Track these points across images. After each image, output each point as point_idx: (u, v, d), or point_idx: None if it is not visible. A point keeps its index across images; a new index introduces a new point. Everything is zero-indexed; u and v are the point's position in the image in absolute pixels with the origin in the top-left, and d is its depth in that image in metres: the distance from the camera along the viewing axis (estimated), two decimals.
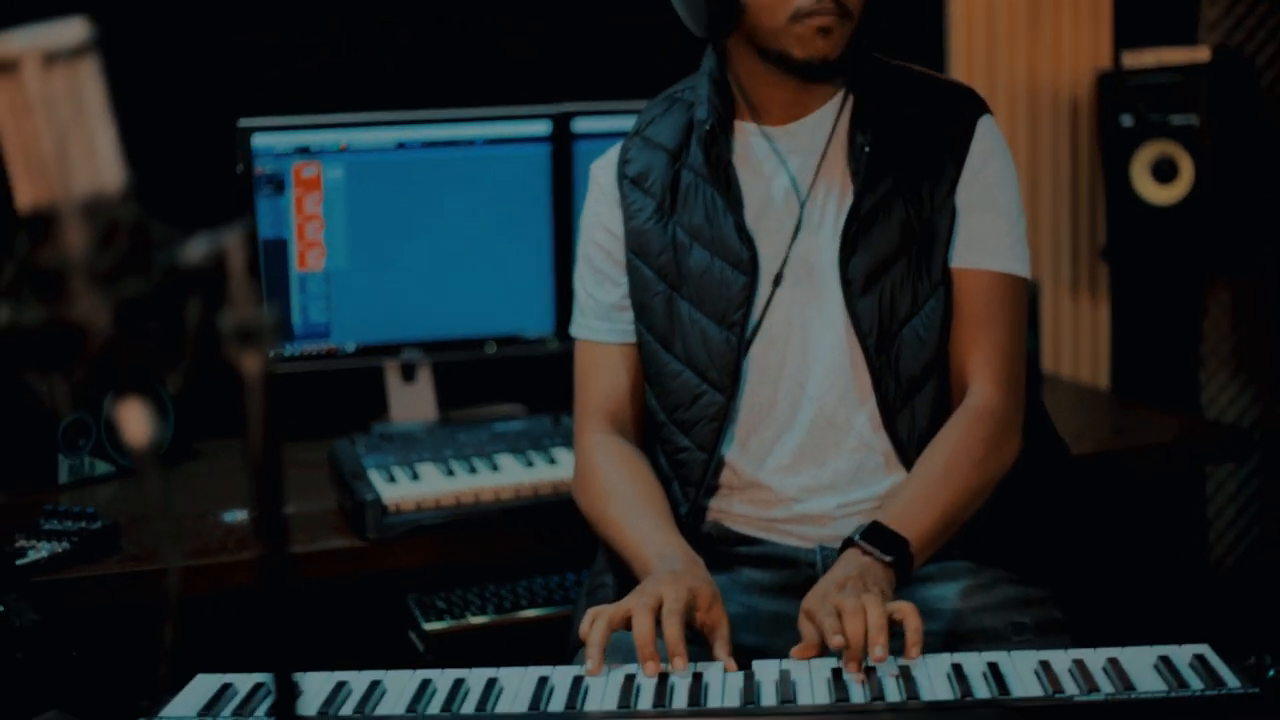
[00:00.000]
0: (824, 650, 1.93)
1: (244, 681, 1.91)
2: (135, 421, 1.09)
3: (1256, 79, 3.74)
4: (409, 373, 3.18)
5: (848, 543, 2.06)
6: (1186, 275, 3.88)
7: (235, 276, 1.07)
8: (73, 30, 1.04)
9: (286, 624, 1.15)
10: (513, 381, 3.31)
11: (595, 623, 1.95)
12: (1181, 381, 3.90)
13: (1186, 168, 3.56)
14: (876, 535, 2.04)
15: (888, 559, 2.02)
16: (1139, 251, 3.66)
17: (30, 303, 1.05)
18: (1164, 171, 3.58)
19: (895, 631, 1.89)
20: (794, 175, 2.27)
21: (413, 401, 3.17)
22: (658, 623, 1.93)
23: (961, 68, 3.67)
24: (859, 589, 1.93)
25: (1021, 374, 2.26)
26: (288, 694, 1.15)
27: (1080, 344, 3.81)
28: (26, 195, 1.05)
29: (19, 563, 2.41)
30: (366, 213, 3.07)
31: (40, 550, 2.47)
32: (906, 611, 1.90)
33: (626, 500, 2.24)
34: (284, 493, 1.14)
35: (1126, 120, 3.60)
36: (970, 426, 2.18)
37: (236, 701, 1.85)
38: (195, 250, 1.07)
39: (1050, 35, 3.72)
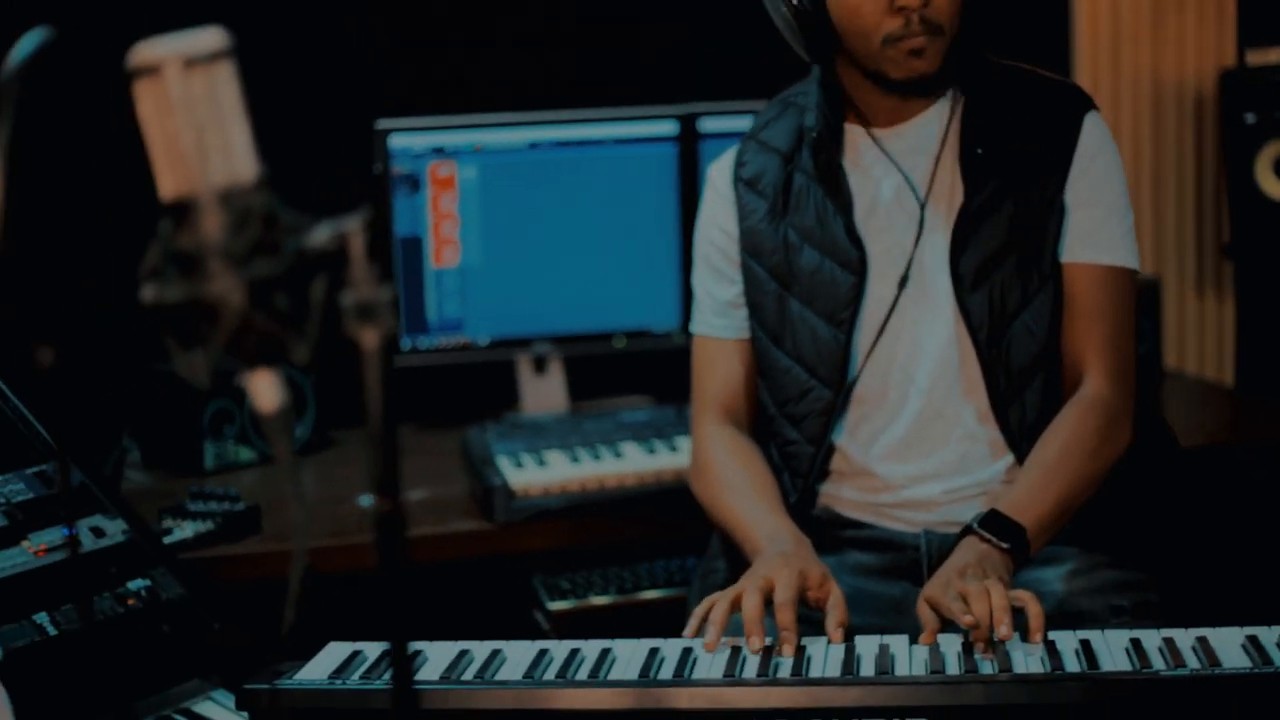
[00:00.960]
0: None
1: (372, 649, 2.02)
2: (265, 390, 1.20)
3: None
4: (540, 365, 3.28)
5: (966, 530, 2.13)
6: None
7: (356, 259, 1.17)
8: (210, 37, 1.15)
9: (404, 589, 1.25)
10: (640, 374, 3.41)
11: (716, 604, 2.04)
12: None
13: None
14: (994, 523, 2.11)
15: (1005, 545, 2.09)
16: (1262, 248, 3.68)
17: (173, 283, 1.15)
18: None
19: (1017, 619, 1.96)
20: (907, 175, 2.34)
21: (544, 393, 3.27)
22: (768, 603, 2.02)
23: (1086, 66, 3.72)
24: (980, 575, 2.01)
25: (1132, 366, 2.31)
26: (403, 656, 1.25)
27: (1205, 341, 3.83)
28: (168, 186, 1.16)
29: (166, 540, 2.55)
30: (500, 210, 3.18)
31: (186, 529, 2.61)
32: (1027, 599, 1.96)
33: (738, 487, 2.32)
34: (399, 456, 1.23)
35: (1250, 118, 3.61)
36: (1083, 417, 2.24)
37: (365, 666, 1.96)
38: (320, 235, 1.18)
39: (1175, 33, 3.75)
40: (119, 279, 3.20)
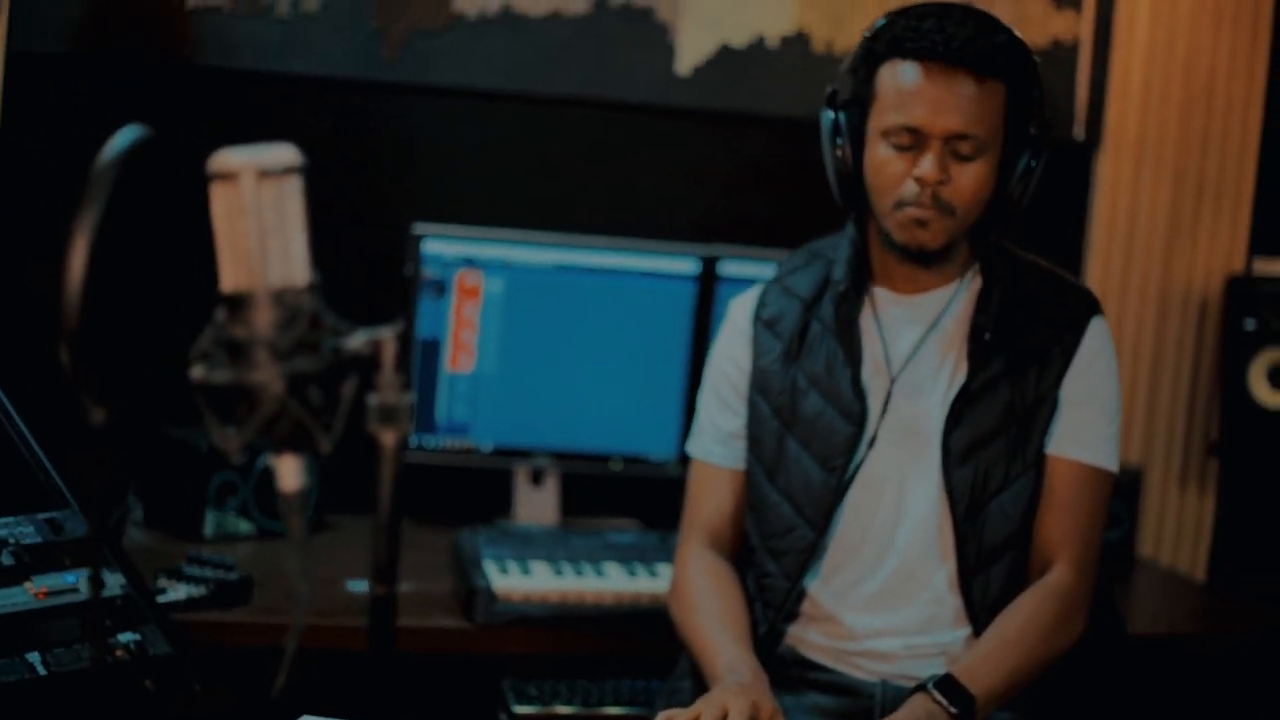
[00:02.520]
0: None
1: None
2: (290, 473, 1.31)
3: None
4: (537, 477, 3.39)
5: (920, 687, 2.23)
6: None
7: (387, 365, 1.29)
8: (284, 153, 1.27)
9: (389, 671, 1.36)
10: (632, 498, 3.51)
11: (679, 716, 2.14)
12: (1276, 581, 4.00)
13: None
14: (948, 687, 2.21)
15: (954, 711, 2.19)
16: (1248, 451, 3.79)
17: (221, 365, 1.27)
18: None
19: None
20: (917, 344, 2.46)
21: (538, 504, 3.38)
22: None
23: (1099, 261, 3.84)
24: None
25: (1096, 560, 2.43)
26: None
27: (1183, 534, 3.93)
28: (229, 280, 1.28)
29: (159, 599, 2.64)
30: (519, 324, 3.30)
31: (179, 591, 2.71)
32: None
33: (710, 613, 2.43)
34: (399, 548, 1.34)
35: (1250, 324, 3.74)
36: (1045, 602, 2.35)
37: None
38: (357, 339, 1.30)
39: (1188, 237, 3.88)
40: (143, 346, 3.34)
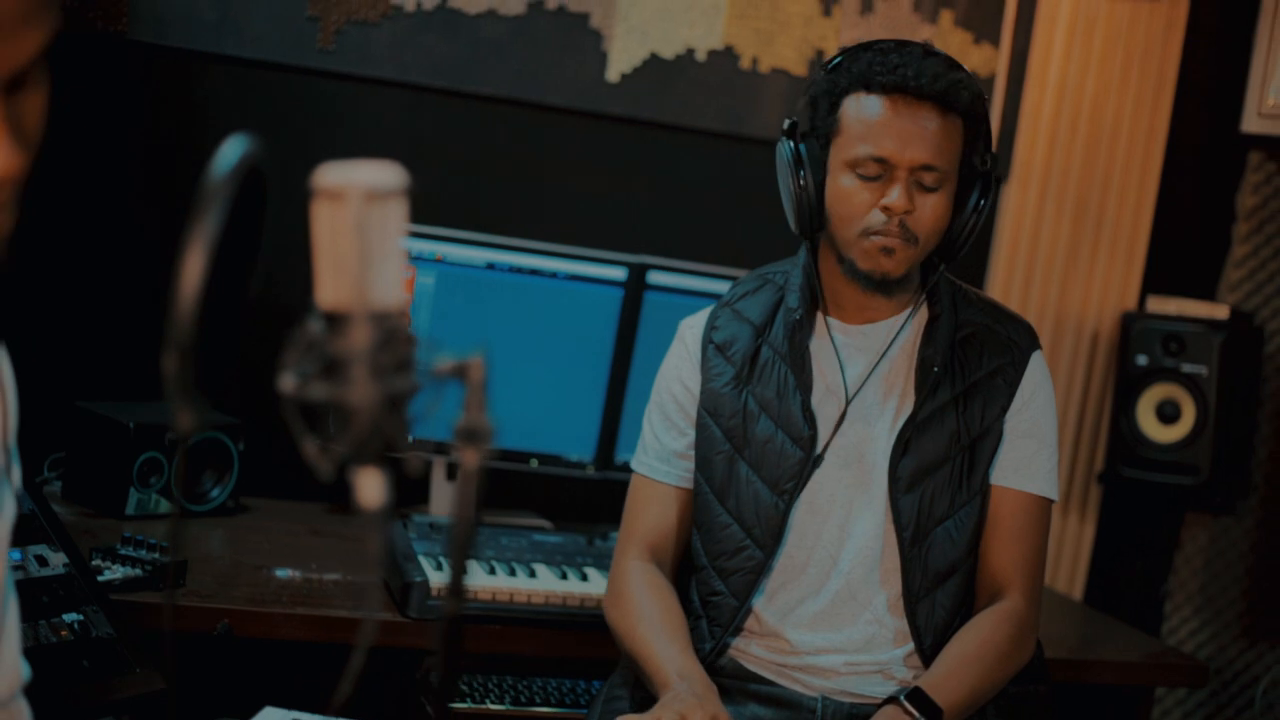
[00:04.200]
0: None
1: None
2: (372, 488, 1.35)
3: (1263, 342, 4.05)
4: (453, 471, 3.42)
5: (891, 699, 2.33)
6: (1170, 511, 4.15)
7: (474, 387, 1.33)
8: (391, 174, 1.31)
9: (453, 688, 1.40)
10: (547, 497, 3.55)
11: None
12: (1147, 609, 4.16)
13: (1189, 412, 3.84)
14: (918, 699, 2.31)
15: None
16: (1131, 482, 3.93)
17: (317, 382, 1.30)
18: (1168, 412, 3.86)
19: None
20: (866, 373, 2.53)
21: (451, 499, 3.40)
22: None
23: (998, 290, 3.96)
24: None
25: (1041, 585, 2.53)
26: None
27: (1062, 556, 4.07)
28: (328, 297, 1.31)
29: (98, 579, 2.64)
30: (448, 320, 3.33)
31: (116, 572, 2.70)
32: None
33: (655, 622, 2.48)
34: (468, 563, 1.38)
35: (1141, 360, 3.88)
36: (999, 624, 2.45)
37: None
38: (446, 360, 1.33)
39: (1085, 272, 4.01)
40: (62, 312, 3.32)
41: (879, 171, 2.39)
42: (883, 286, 2.49)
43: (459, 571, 1.39)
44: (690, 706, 2.22)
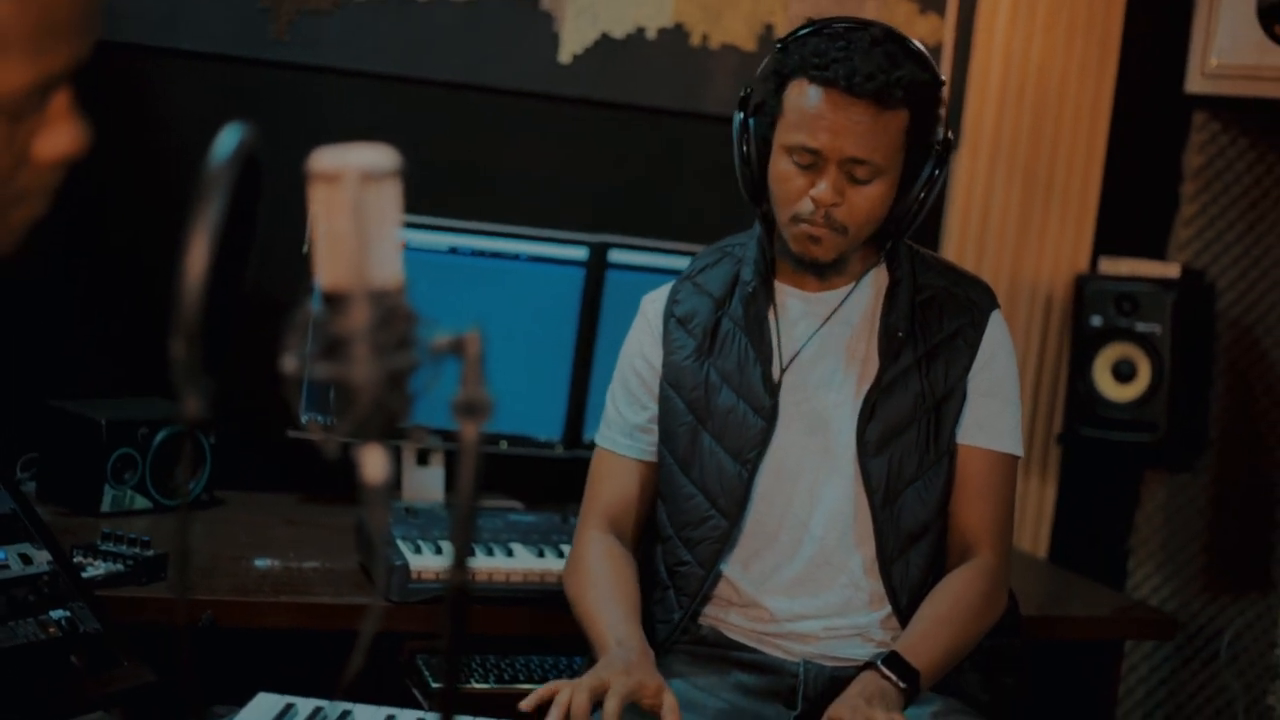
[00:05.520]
0: None
1: (305, 705, 2.16)
2: (377, 464, 1.37)
3: (1214, 299, 4.11)
4: (423, 456, 3.45)
5: (869, 665, 2.37)
6: (1129, 468, 4.21)
7: (471, 361, 1.36)
8: (386, 155, 1.34)
9: (460, 659, 1.43)
10: (516, 478, 3.58)
11: (560, 690, 2.22)
12: (1111, 566, 4.22)
13: (1144, 371, 3.90)
14: (895, 663, 2.35)
15: (903, 685, 2.34)
16: (1090, 441, 3.99)
17: (317, 362, 1.33)
18: (1123, 371, 3.92)
19: None
20: (826, 339, 2.57)
21: (424, 483, 3.44)
22: (598, 705, 2.21)
23: (952, 256, 4.00)
24: (884, 707, 2.25)
25: (1010, 540, 2.58)
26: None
27: (1025, 516, 4.12)
28: (327, 278, 1.34)
29: (82, 575, 2.65)
30: (413, 305, 3.34)
31: (99, 568, 2.72)
32: None
33: (603, 590, 2.51)
34: (474, 537, 1.41)
35: (1096, 320, 3.94)
36: (973, 581, 2.50)
37: None
38: (444, 336, 1.36)
39: (1037, 236, 4.07)
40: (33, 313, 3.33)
41: (811, 160, 2.42)
42: (813, 268, 2.54)
43: (464, 543, 1.42)
44: (616, 672, 2.25)
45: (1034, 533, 4.14)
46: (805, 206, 2.43)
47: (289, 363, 1.35)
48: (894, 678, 2.33)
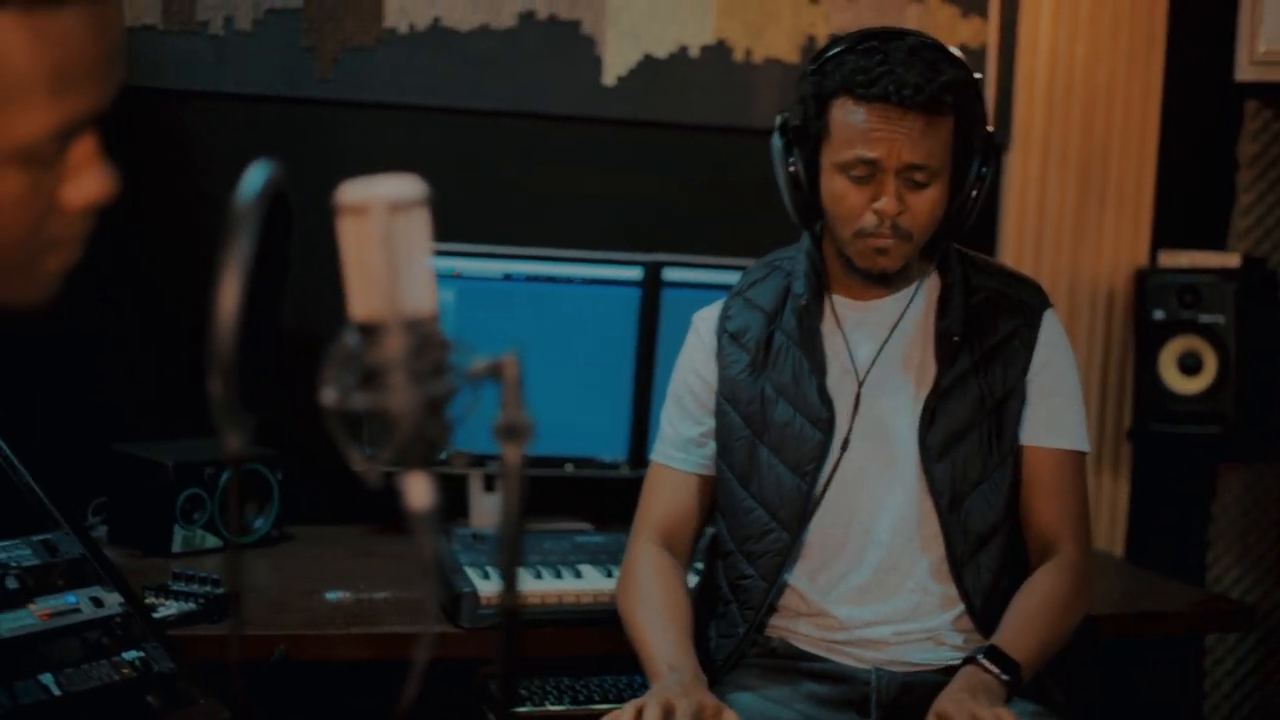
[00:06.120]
0: None
1: None
2: (420, 491, 1.39)
3: (1277, 287, 4.07)
4: (490, 483, 3.46)
5: (969, 659, 2.38)
6: (1202, 461, 4.17)
7: (510, 385, 1.37)
8: (413, 186, 1.35)
9: (515, 673, 1.44)
10: (584, 500, 3.59)
11: (623, 712, 2.25)
12: (1189, 560, 4.18)
13: (1210, 362, 3.87)
14: (996, 656, 2.36)
15: (1005, 678, 2.34)
16: (1160, 436, 3.96)
17: (358, 392, 1.34)
18: (1189, 364, 3.89)
19: None
20: (881, 348, 2.58)
21: (491, 509, 3.45)
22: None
23: (1010, 257, 3.97)
24: (988, 702, 2.26)
25: (1090, 535, 2.59)
26: None
27: (1100, 515, 4.09)
28: (361, 309, 1.35)
29: (154, 615, 2.68)
30: (471, 334, 3.34)
31: (170, 608, 2.75)
32: None
33: (654, 611, 2.53)
34: (521, 559, 1.42)
35: (1159, 314, 3.91)
36: (1058, 577, 2.51)
37: None
38: (480, 361, 1.37)
39: (1094, 232, 4.04)
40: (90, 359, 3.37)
41: (868, 173, 2.44)
42: (881, 280, 2.55)
43: (511, 566, 1.43)
44: (676, 695, 2.27)
45: (1109, 532, 4.11)
46: (869, 221, 2.45)
47: (328, 395, 1.37)
48: (996, 670, 2.34)
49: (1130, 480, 4.13)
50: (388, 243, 1.34)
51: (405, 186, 1.35)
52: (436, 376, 1.36)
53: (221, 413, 1.30)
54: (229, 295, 1.27)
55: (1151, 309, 3.92)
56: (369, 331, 1.36)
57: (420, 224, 1.36)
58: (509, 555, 1.42)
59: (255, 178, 1.33)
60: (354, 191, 1.35)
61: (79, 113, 1.25)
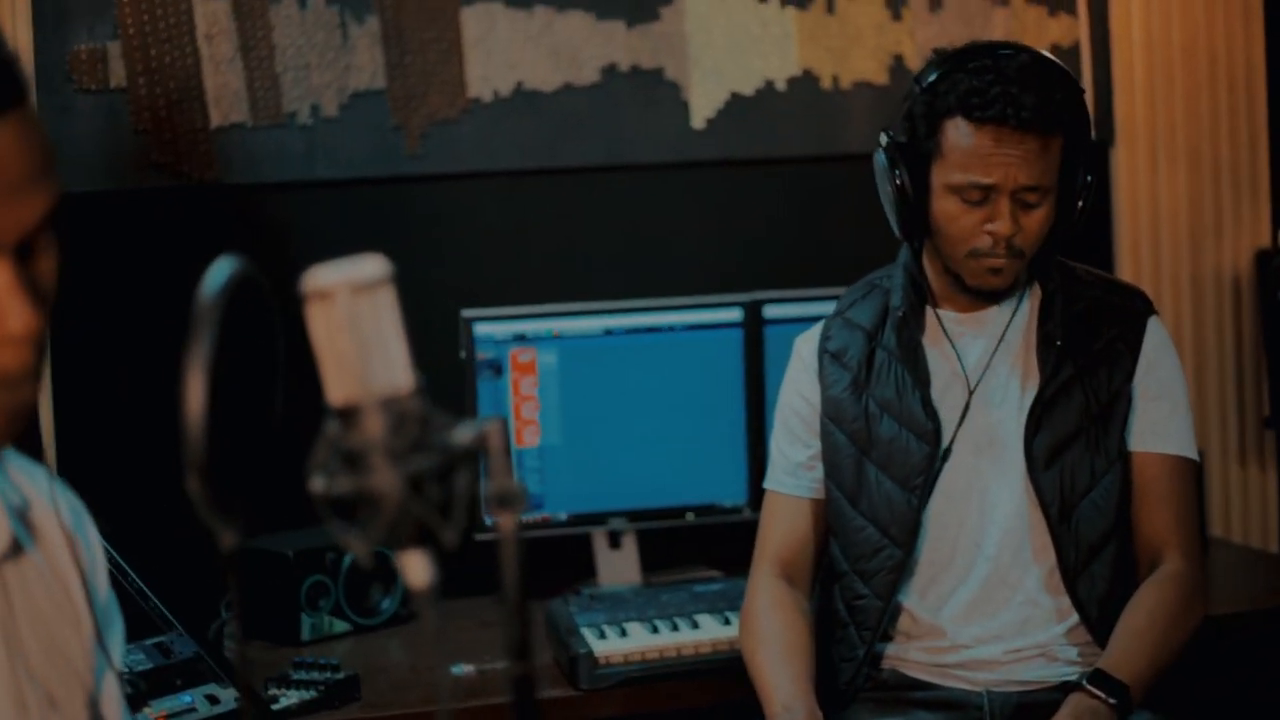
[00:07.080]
0: None
1: None
2: (417, 569, 1.38)
3: None
4: (615, 540, 3.46)
5: (1075, 686, 2.33)
6: None
7: (495, 454, 1.36)
8: (374, 265, 1.34)
9: None
10: (709, 547, 3.57)
11: None
12: None
13: None
14: (1102, 681, 2.31)
15: (1113, 702, 2.29)
16: None
17: (341, 476, 1.34)
18: None
19: None
20: (978, 357, 2.54)
21: (619, 566, 3.44)
22: None
23: (1127, 254, 3.88)
24: None
25: (1201, 544, 2.53)
26: None
27: (1250, 509, 3.96)
28: (337, 394, 1.35)
29: (274, 708, 2.71)
30: (577, 393, 3.37)
31: (291, 698, 2.77)
32: None
33: (772, 646, 2.52)
34: (530, 626, 1.40)
35: None
36: (1165, 590, 2.45)
37: None
38: (464, 433, 1.36)
39: (1212, 219, 3.93)
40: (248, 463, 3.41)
41: (982, 196, 2.43)
42: (992, 297, 2.54)
43: (523, 630, 1.42)
44: None
45: (1261, 525, 3.98)
46: (984, 242, 2.44)
47: (315, 483, 1.37)
48: (1102, 695, 2.30)
49: (1278, 470, 4.00)
50: (354, 325, 1.34)
51: (367, 267, 1.35)
52: (417, 452, 1.35)
53: (203, 510, 1.30)
54: (195, 395, 1.28)
55: (1276, 290, 3.80)
56: (347, 415, 1.35)
57: (386, 302, 1.35)
58: (517, 625, 1.40)
59: (217, 274, 1.33)
60: (317, 277, 1.35)
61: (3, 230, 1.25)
